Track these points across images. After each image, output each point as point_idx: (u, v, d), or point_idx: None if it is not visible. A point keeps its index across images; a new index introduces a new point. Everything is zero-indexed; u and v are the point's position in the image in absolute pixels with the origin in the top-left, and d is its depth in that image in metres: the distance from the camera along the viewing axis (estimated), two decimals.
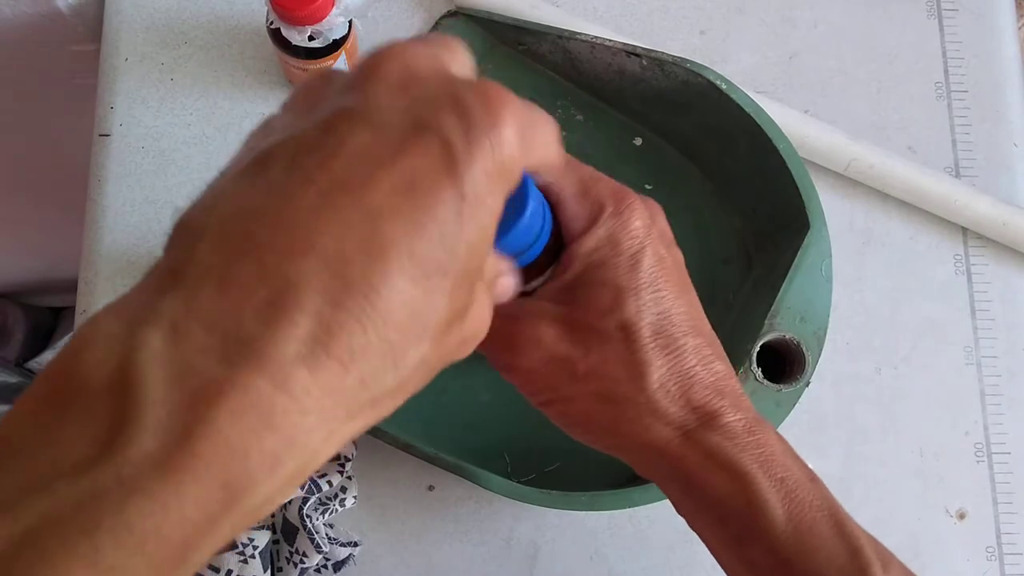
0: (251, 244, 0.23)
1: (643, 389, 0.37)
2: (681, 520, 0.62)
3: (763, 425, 0.38)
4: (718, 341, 0.39)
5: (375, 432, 0.56)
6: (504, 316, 0.36)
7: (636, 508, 0.55)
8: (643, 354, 0.36)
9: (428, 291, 0.25)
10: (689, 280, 0.39)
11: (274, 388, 0.22)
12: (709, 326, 0.39)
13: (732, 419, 0.37)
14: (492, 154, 0.25)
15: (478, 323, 0.32)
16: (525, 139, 0.26)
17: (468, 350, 0.32)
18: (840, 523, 0.37)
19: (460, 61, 0.28)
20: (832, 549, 0.36)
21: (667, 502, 0.53)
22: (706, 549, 0.61)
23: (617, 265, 0.37)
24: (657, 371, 0.37)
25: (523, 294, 0.39)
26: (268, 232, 0.23)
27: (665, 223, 0.40)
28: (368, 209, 0.23)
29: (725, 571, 0.39)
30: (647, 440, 0.37)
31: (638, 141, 0.66)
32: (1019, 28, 0.74)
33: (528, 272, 0.38)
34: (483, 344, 0.35)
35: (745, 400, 0.39)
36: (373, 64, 0.26)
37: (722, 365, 0.38)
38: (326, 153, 0.24)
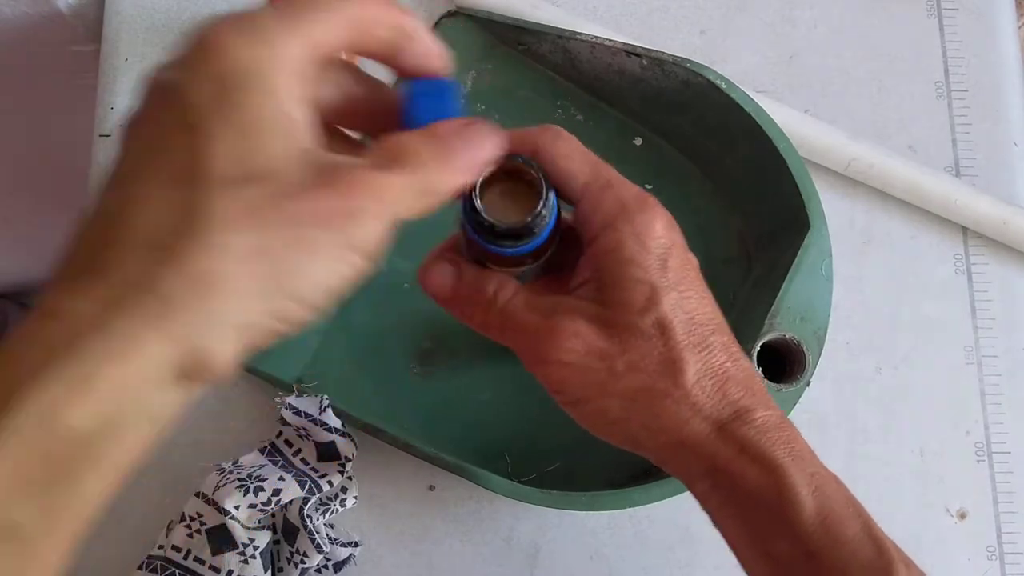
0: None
1: (681, 384, 0.38)
2: (681, 520, 0.62)
3: (790, 423, 0.39)
4: (728, 328, 0.41)
5: (376, 432, 0.56)
6: (540, 313, 0.39)
7: (636, 508, 0.55)
8: (679, 350, 0.38)
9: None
10: (700, 277, 0.41)
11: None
12: (728, 326, 0.40)
13: (764, 414, 0.38)
14: (202, 64, 0.29)
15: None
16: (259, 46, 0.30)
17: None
18: (867, 522, 0.38)
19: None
20: (858, 544, 0.36)
21: (668, 502, 0.53)
22: (706, 549, 0.61)
23: (648, 264, 0.38)
24: (693, 366, 0.38)
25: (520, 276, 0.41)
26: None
27: (679, 231, 0.41)
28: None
29: (745, 568, 0.39)
30: (684, 435, 0.38)
31: (638, 141, 0.66)
32: (1019, 27, 0.74)
33: (533, 255, 0.39)
34: (518, 340, 0.40)
35: (771, 399, 0.40)
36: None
37: (747, 362, 0.40)
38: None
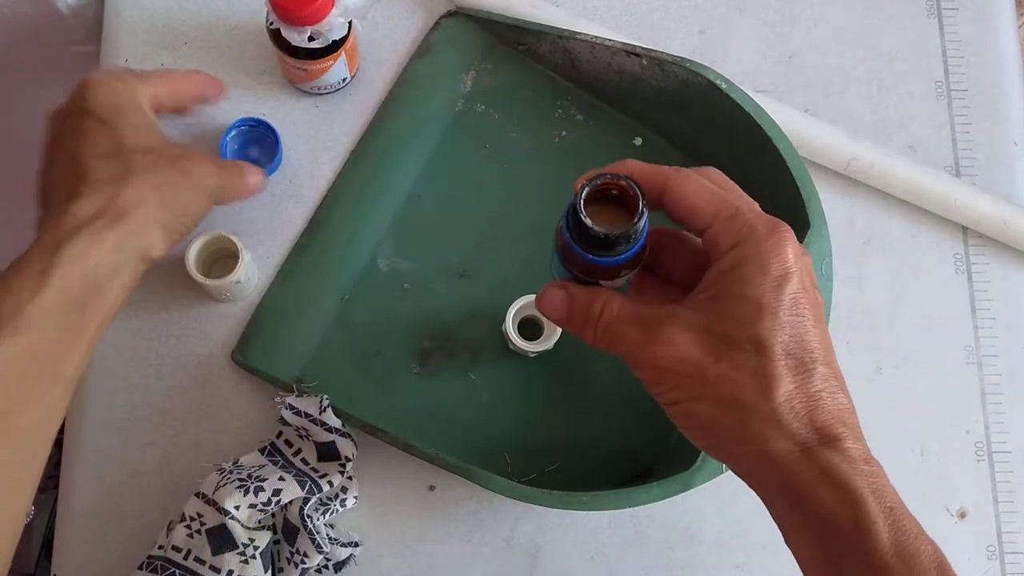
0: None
1: (769, 400, 0.39)
2: (682, 520, 0.62)
3: (877, 462, 0.40)
4: (844, 378, 0.41)
5: (376, 433, 0.56)
6: (642, 325, 0.42)
7: (637, 508, 0.55)
8: (773, 369, 0.39)
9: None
10: (822, 309, 0.42)
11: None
12: (838, 364, 0.41)
13: (852, 446, 0.39)
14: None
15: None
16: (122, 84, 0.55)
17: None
18: (942, 563, 0.39)
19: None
20: None
21: (668, 502, 0.53)
22: (706, 549, 0.61)
23: (763, 284, 0.40)
24: (785, 387, 0.39)
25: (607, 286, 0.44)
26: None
27: (812, 266, 0.42)
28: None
29: None
30: (766, 450, 0.39)
31: (638, 141, 0.66)
32: (1019, 27, 0.74)
33: (629, 264, 0.42)
34: (622, 351, 0.42)
35: (863, 437, 0.40)
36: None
37: (846, 399, 0.40)
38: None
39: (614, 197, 0.42)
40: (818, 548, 0.39)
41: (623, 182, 0.40)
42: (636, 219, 0.40)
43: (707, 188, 0.42)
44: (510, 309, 0.59)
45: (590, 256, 0.41)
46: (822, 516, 0.38)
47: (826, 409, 0.39)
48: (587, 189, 0.40)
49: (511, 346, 0.60)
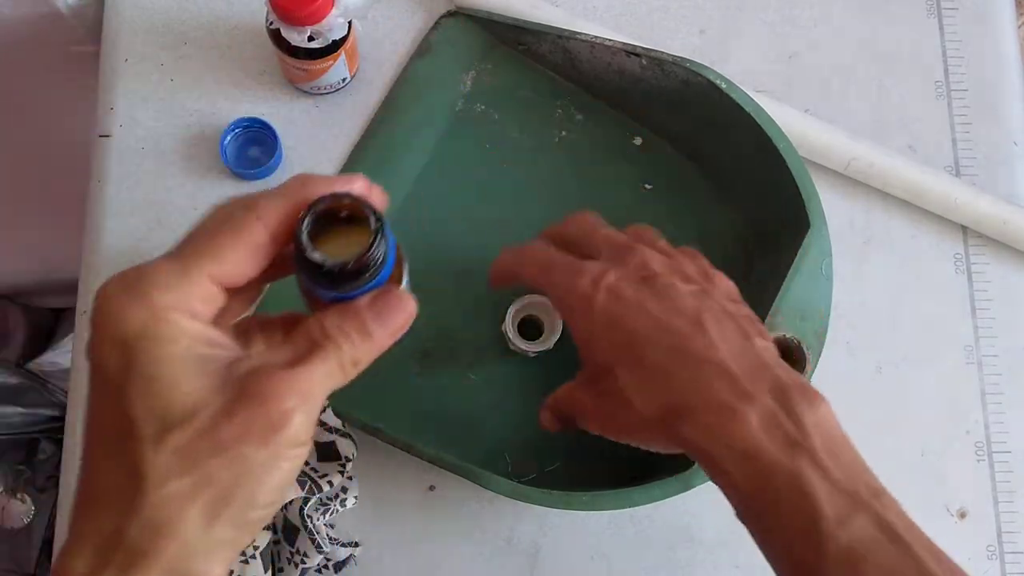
0: None
1: (634, 411, 0.46)
2: (682, 520, 0.62)
3: (748, 400, 0.42)
4: (716, 311, 0.47)
5: (376, 433, 0.56)
6: (566, 396, 0.52)
7: (637, 508, 0.55)
8: (617, 380, 0.47)
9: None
10: (667, 290, 0.47)
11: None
12: (695, 303, 0.47)
13: (702, 408, 0.43)
14: (99, 331, 0.34)
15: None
16: (139, 302, 0.33)
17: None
18: (800, 487, 0.40)
19: None
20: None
21: (668, 502, 0.53)
22: (707, 549, 0.61)
23: (586, 324, 0.48)
24: (630, 385, 0.46)
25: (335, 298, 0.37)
26: None
27: (635, 267, 0.49)
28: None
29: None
30: (646, 439, 0.48)
31: (638, 141, 0.66)
32: (1019, 27, 0.74)
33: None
34: (575, 424, 0.52)
35: (734, 374, 0.43)
36: None
37: (709, 351, 0.45)
38: None
39: (350, 219, 0.36)
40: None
41: (347, 201, 0.35)
42: (371, 241, 0.34)
43: (535, 266, 0.51)
44: (510, 309, 0.59)
45: (335, 294, 0.36)
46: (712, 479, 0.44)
47: (672, 381, 0.44)
48: (308, 218, 0.34)
49: (511, 346, 0.60)
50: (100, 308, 0.33)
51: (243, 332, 0.37)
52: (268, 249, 0.35)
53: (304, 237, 0.34)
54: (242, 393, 0.32)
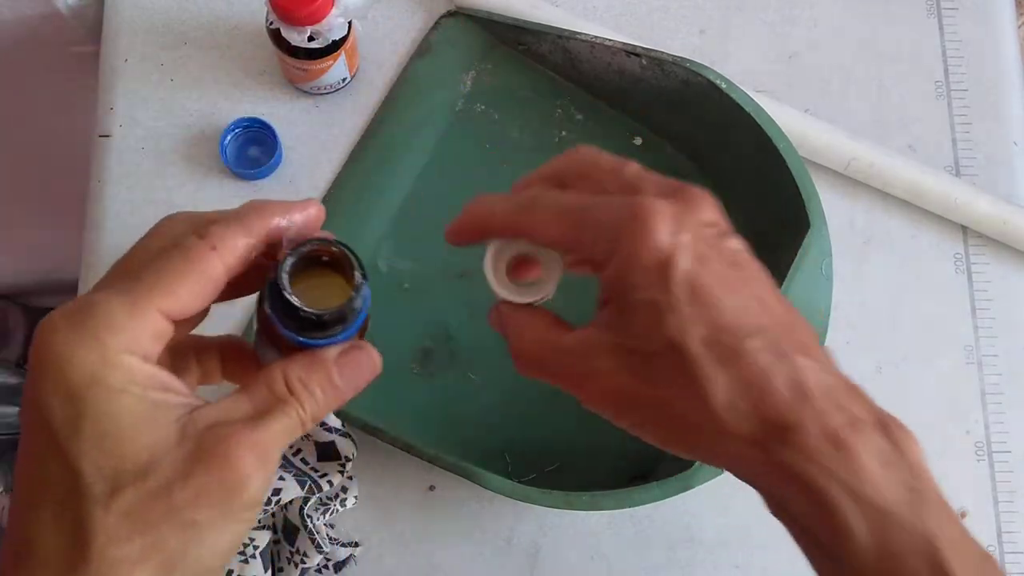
0: None
1: (709, 410, 0.33)
2: (682, 520, 0.62)
3: (858, 430, 0.34)
4: (798, 321, 0.36)
5: (376, 433, 0.56)
6: (561, 351, 0.37)
7: (637, 508, 0.55)
8: (699, 371, 0.33)
9: None
10: (749, 265, 0.36)
11: None
12: (784, 307, 0.36)
13: (813, 432, 0.33)
14: (42, 376, 0.30)
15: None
16: (89, 340, 0.30)
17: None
18: (938, 563, 0.33)
19: None
20: None
21: (668, 502, 0.53)
22: (707, 549, 0.61)
23: (647, 284, 0.34)
24: (719, 388, 0.33)
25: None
26: None
27: (710, 212, 0.37)
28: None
29: None
30: (725, 459, 0.35)
31: (638, 141, 0.66)
32: (1019, 27, 0.74)
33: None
34: (553, 380, 0.38)
35: (837, 395, 0.34)
36: None
37: (804, 359, 0.34)
38: None
39: (328, 263, 0.35)
40: (810, 545, 0.34)
41: (334, 248, 0.34)
42: (353, 294, 0.33)
43: (557, 213, 0.37)
44: (490, 247, 0.40)
45: (303, 339, 0.33)
46: (800, 524, 0.34)
47: (774, 391, 0.33)
48: (290, 259, 0.33)
49: (496, 293, 0.41)
50: (45, 347, 0.29)
51: (178, 355, 0.36)
52: (222, 281, 0.33)
53: (284, 280, 0.32)
54: (200, 452, 0.30)
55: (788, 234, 0.58)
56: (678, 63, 0.59)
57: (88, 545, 0.28)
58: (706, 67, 0.59)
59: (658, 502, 0.53)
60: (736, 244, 0.36)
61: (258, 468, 0.30)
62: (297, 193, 0.64)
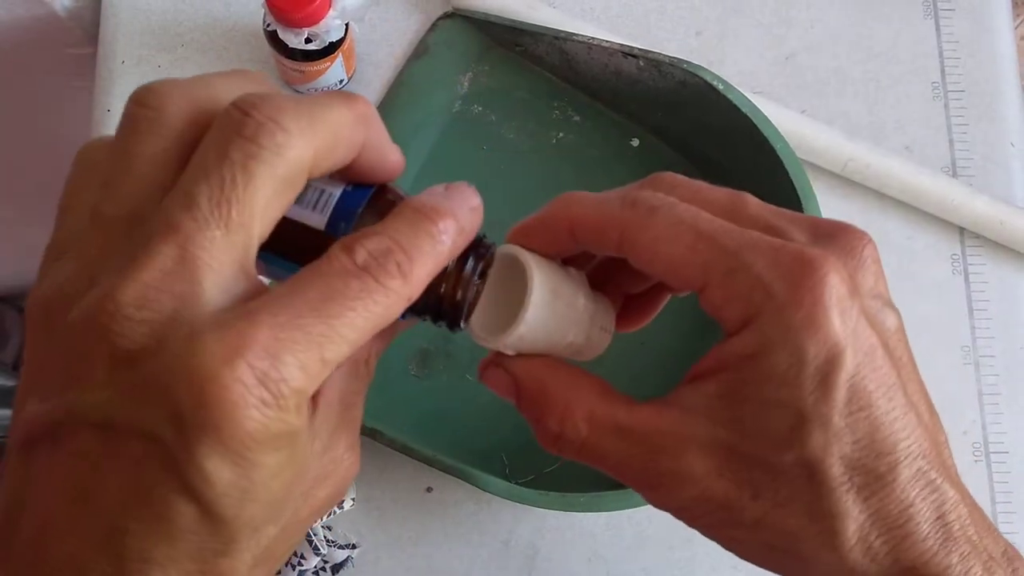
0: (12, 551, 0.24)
1: (835, 547, 0.27)
2: (680, 521, 0.62)
3: (992, 574, 0.28)
4: (940, 428, 0.29)
5: (373, 434, 0.56)
6: (636, 443, 0.29)
7: (635, 509, 0.55)
8: (834, 501, 0.27)
9: None
10: (904, 353, 0.29)
11: None
12: (931, 411, 0.29)
13: None
14: (220, 447, 0.22)
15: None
16: (278, 399, 0.22)
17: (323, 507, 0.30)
18: None
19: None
20: None
21: None
22: (705, 550, 0.61)
23: (799, 382, 0.26)
24: (854, 523, 0.27)
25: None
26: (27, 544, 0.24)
27: (874, 270, 0.29)
28: (105, 520, 0.23)
29: None
30: None
31: (635, 142, 0.66)
32: (1016, 27, 0.75)
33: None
34: (612, 471, 0.30)
35: (974, 530, 0.28)
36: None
37: (950, 488, 0.28)
38: (56, 452, 0.23)
39: None
40: None
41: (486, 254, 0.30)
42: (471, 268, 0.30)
43: (684, 230, 0.28)
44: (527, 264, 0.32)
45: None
46: None
47: (917, 531, 0.27)
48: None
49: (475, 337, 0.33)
50: (192, 381, 0.22)
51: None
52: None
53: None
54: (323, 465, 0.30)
55: None
56: (675, 64, 0.59)
57: None
58: (703, 68, 0.59)
59: None
60: (895, 321, 0.30)
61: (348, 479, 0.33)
62: None
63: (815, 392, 0.26)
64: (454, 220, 0.27)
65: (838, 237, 0.29)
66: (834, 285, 0.26)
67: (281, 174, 0.24)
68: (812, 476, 0.27)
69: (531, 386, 0.32)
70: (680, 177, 0.32)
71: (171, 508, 0.22)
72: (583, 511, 0.56)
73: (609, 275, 0.33)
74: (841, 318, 0.26)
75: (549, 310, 0.30)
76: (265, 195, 0.23)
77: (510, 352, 0.31)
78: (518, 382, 0.32)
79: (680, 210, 0.29)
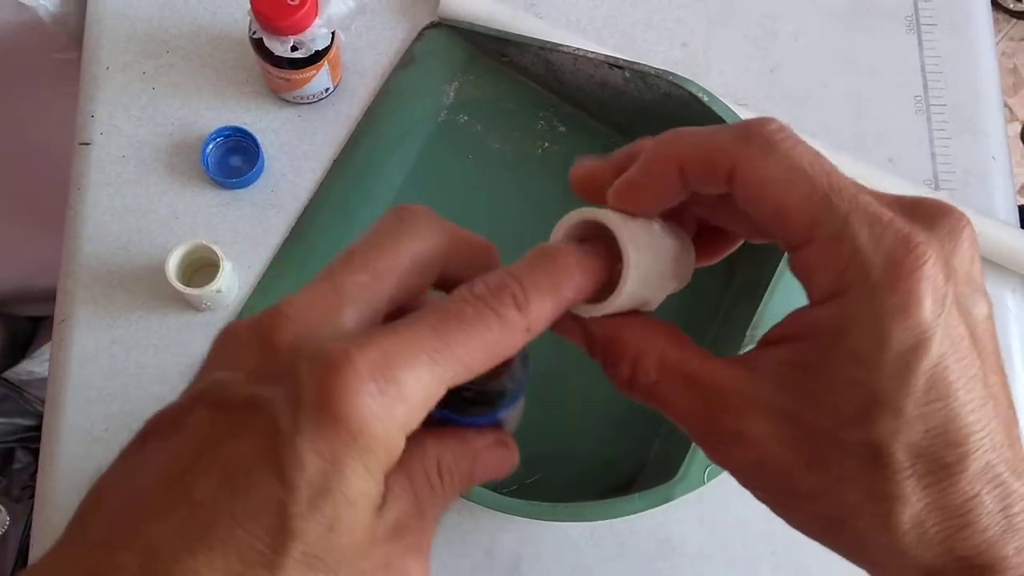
0: (97, 532, 0.25)
1: (888, 529, 0.26)
2: (663, 531, 0.62)
3: None
4: (1015, 419, 0.28)
5: None
6: (703, 395, 0.28)
7: (617, 520, 0.55)
8: (893, 485, 0.26)
9: None
10: (991, 342, 0.28)
11: None
12: (1009, 400, 0.28)
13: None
14: (326, 432, 0.23)
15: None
16: (386, 396, 0.24)
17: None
18: None
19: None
20: None
21: (649, 513, 0.53)
22: (688, 560, 0.61)
23: (879, 366, 0.26)
24: (911, 509, 0.26)
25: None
26: (105, 519, 0.25)
27: (970, 253, 0.28)
28: (190, 498, 0.24)
29: None
30: (883, 573, 0.28)
31: None
32: (997, 43, 0.75)
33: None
34: (684, 424, 0.29)
35: None
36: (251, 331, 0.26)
37: (1018, 482, 0.27)
38: (172, 434, 0.25)
39: None
40: None
41: None
42: (512, 365, 0.28)
43: (799, 177, 0.27)
44: (560, 226, 0.31)
45: (447, 411, 0.28)
46: None
47: (977, 524, 0.26)
48: None
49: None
50: (348, 403, 0.23)
51: None
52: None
53: None
54: (388, 564, 0.27)
55: (769, 245, 0.58)
56: (660, 76, 0.60)
57: None
58: (688, 80, 0.60)
59: (640, 513, 0.53)
60: (985, 309, 0.28)
61: None
62: (279, 201, 0.63)
63: (893, 378, 0.26)
64: (574, 262, 0.28)
65: (939, 220, 0.28)
66: (931, 274, 0.26)
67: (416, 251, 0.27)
68: (875, 458, 0.26)
69: (603, 334, 0.31)
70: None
71: (254, 477, 0.23)
72: (567, 521, 0.56)
73: (690, 203, 0.32)
74: (933, 307, 0.26)
75: (640, 283, 0.29)
76: (402, 265, 0.27)
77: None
78: (591, 332, 0.31)
79: (799, 152, 0.27)
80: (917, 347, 0.25)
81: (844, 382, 0.26)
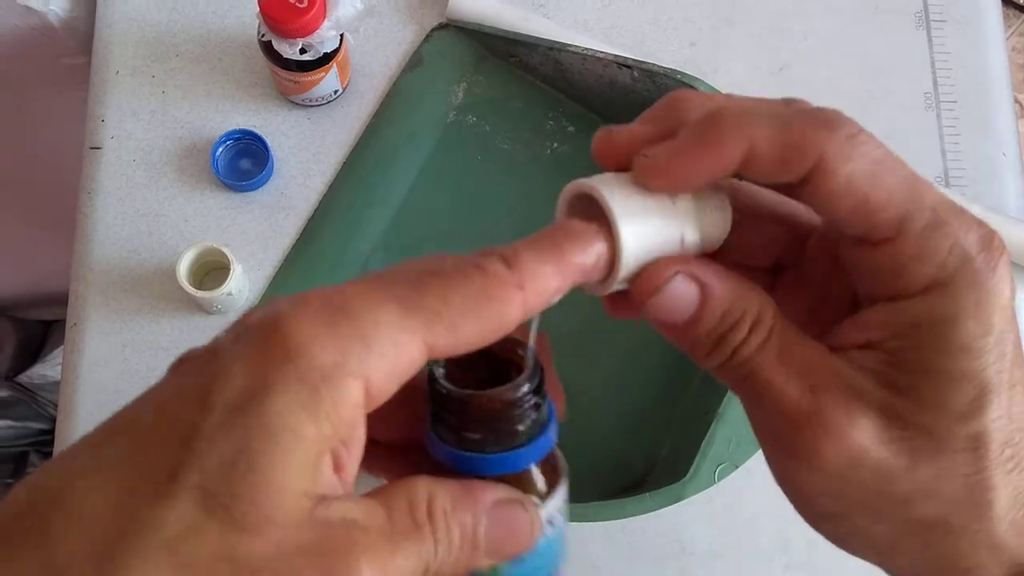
0: None
1: (985, 518, 0.26)
2: (675, 532, 0.62)
3: None
4: None
5: None
6: (799, 381, 0.26)
7: (628, 519, 0.55)
8: (990, 474, 0.26)
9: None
10: None
11: None
12: None
13: None
14: (259, 347, 0.22)
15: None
16: (338, 327, 0.22)
17: None
18: None
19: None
20: None
21: (661, 513, 0.53)
22: (699, 561, 0.61)
23: (985, 351, 0.25)
24: (1005, 496, 0.26)
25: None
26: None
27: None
28: (112, 430, 0.24)
29: None
30: (975, 571, 0.27)
31: None
32: (1007, 39, 0.75)
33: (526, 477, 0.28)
34: (758, 409, 0.27)
35: None
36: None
37: None
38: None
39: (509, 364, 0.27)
40: None
41: (520, 352, 0.27)
42: (524, 379, 0.26)
43: (885, 169, 0.26)
44: (564, 196, 0.29)
45: (457, 451, 0.25)
46: None
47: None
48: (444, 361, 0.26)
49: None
50: (287, 333, 0.22)
51: None
52: (509, 329, 0.25)
53: (439, 370, 0.26)
54: (320, 548, 0.22)
55: None
56: (669, 75, 0.60)
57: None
58: (697, 79, 0.59)
59: (652, 513, 0.53)
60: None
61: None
62: (289, 204, 0.64)
63: (996, 363, 0.25)
64: (576, 224, 0.26)
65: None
66: (1008, 262, 0.26)
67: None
68: (977, 448, 0.25)
69: (722, 294, 0.28)
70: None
71: (178, 404, 0.23)
72: (576, 521, 0.56)
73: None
74: (1011, 289, 0.26)
75: (642, 233, 0.26)
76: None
77: (624, 286, 0.27)
78: (709, 289, 0.28)
79: (876, 143, 0.26)
80: (1007, 328, 0.25)
81: (953, 376, 0.25)
